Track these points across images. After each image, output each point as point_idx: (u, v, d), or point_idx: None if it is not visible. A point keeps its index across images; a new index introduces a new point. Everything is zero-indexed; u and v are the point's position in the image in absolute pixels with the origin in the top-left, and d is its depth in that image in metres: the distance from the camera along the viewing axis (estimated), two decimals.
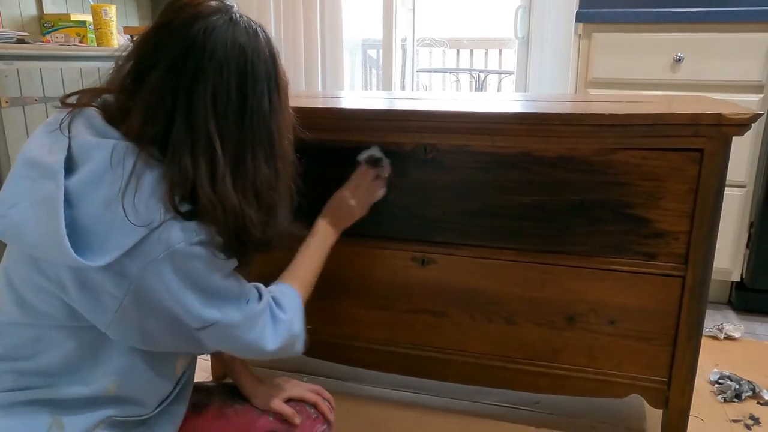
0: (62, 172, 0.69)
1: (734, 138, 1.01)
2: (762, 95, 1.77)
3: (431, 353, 1.26)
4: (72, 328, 0.74)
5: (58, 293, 0.71)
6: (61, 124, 0.73)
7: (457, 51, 4.20)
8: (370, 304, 1.26)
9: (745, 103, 1.70)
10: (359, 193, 1.13)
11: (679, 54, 1.80)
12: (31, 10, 2.32)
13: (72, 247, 0.66)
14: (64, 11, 2.39)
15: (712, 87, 1.78)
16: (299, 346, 0.92)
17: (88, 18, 2.30)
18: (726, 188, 1.05)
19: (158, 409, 0.83)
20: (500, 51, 4.06)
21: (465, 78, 4.20)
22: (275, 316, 0.87)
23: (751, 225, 1.86)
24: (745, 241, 1.87)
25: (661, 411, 1.19)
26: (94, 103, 0.76)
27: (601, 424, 1.32)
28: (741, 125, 0.98)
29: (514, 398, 1.39)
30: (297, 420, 0.95)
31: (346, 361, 1.34)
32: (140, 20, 2.85)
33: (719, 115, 0.98)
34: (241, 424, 0.96)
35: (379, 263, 1.24)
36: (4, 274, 0.76)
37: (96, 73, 2.01)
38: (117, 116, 0.74)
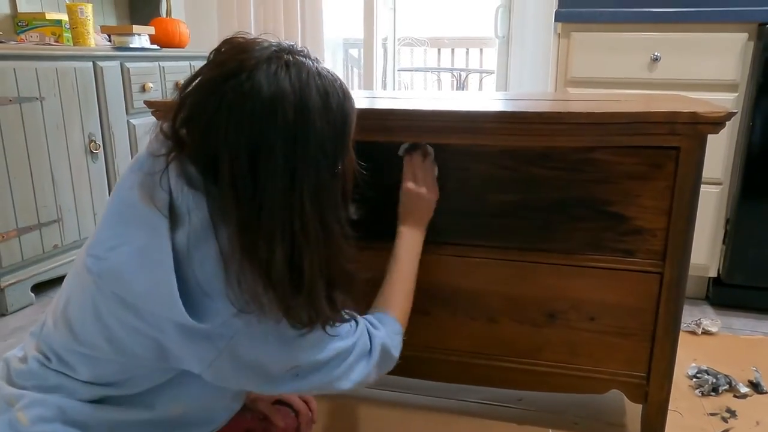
0: (168, 225, 0.67)
1: (710, 136, 1.02)
2: (736, 94, 1.80)
3: (414, 352, 1.26)
4: (160, 368, 0.74)
5: (156, 336, 0.69)
6: (160, 175, 0.70)
7: (438, 50, 4.22)
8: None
9: (720, 101, 1.72)
10: (420, 178, 1.08)
11: (656, 53, 1.82)
12: (5, 9, 2.27)
13: None
14: (39, 10, 2.34)
15: (689, 86, 1.80)
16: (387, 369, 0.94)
17: (64, 17, 2.25)
18: (702, 185, 1.07)
19: None
20: (481, 50, 4.08)
21: (446, 77, 4.22)
22: (367, 355, 0.87)
23: (727, 221, 1.89)
24: (722, 238, 1.90)
25: (641, 405, 1.20)
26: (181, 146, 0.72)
27: (582, 419, 1.33)
28: (716, 123, 1.00)
29: (497, 395, 1.40)
30: (281, 423, 0.96)
31: None
32: (118, 19, 2.80)
33: (695, 113, 0.99)
34: None
35: (361, 263, 1.23)
36: (93, 307, 0.72)
37: (72, 73, 1.97)
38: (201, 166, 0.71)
